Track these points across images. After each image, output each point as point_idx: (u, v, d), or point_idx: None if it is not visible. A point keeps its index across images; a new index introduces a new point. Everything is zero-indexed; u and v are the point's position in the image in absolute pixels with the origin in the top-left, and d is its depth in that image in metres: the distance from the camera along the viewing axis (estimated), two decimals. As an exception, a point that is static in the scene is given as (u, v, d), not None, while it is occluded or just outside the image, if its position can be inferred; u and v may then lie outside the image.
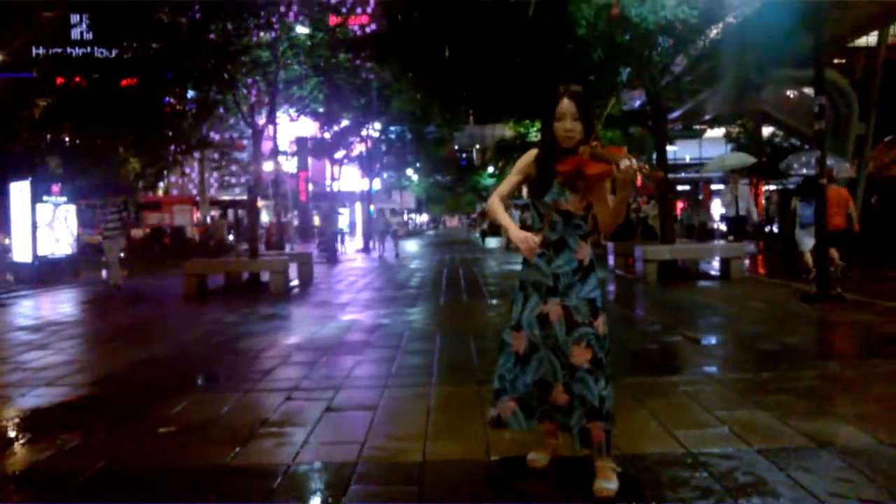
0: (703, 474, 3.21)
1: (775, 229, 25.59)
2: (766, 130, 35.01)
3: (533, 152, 3.21)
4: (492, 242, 31.90)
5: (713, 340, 6.70)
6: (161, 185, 32.69)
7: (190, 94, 13.16)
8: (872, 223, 19.01)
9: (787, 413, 4.09)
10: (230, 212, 33.38)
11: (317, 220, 37.75)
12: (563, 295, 3.07)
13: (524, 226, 3.29)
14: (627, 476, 3.14)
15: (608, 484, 3.00)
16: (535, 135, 20.86)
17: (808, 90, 25.90)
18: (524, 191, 3.33)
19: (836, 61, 25.40)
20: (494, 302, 9.98)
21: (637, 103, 25.75)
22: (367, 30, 15.28)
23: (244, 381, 5.32)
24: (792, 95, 26.45)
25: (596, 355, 3.01)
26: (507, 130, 37.46)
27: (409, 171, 47.85)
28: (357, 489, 3.17)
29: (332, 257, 20.44)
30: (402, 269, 16.66)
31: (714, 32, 15.60)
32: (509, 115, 20.00)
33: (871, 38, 22.00)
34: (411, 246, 31.62)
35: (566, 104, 3.02)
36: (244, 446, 3.77)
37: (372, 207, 28.53)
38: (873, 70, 19.30)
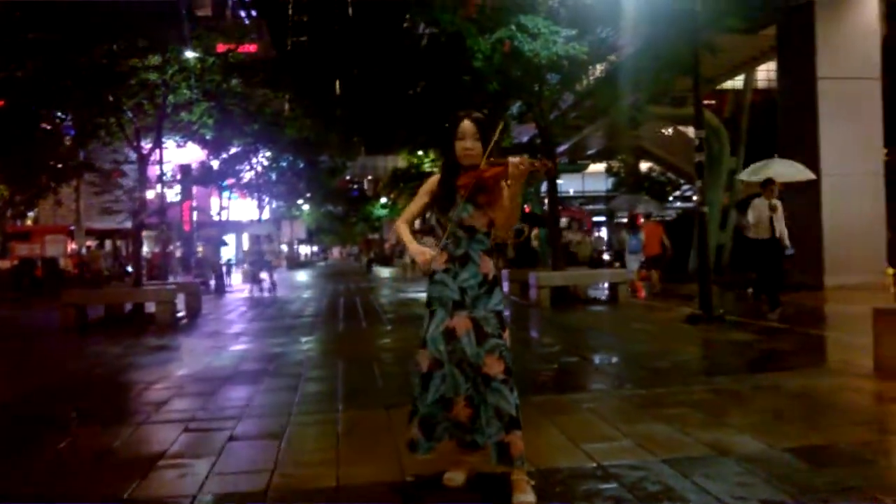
0: (615, 485, 3.28)
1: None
2: (644, 165, 37.05)
3: (435, 178, 3.32)
4: (383, 272, 31.86)
5: (610, 360, 6.94)
6: (31, 213, 30.61)
7: (70, 116, 12.44)
8: (744, 250, 20.31)
9: (686, 425, 4.26)
10: (108, 242, 31.65)
11: (201, 251, 36.38)
12: (471, 307, 3.12)
13: (435, 242, 3.34)
14: (542, 490, 3.17)
15: (527, 497, 3.01)
16: (429, 165, 21.17)
17: (682, 127, 27.71)
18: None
19: (706, 102, 27.19)
20: (391, 328, 9.92)
21: (525, 137, 26.62)
22: (257, 56, 15.07)
23: (136, 414, 5.02)
24: (668, 132, 28.16)
25: (507, 366, 3.08)
26: (400, 161, 37.79)
27: (300, 201, 47.18)
28: (270, 517, 3.04)
29: (219, 288, 19.78)
30: (294, 300, 16.31)
31: (598, 71, 16.41)
32: (403, 145, 20.16)
33: (737, 82, 23.84)
34: (301, 276, 31.05)
35: (467, 125, 3.16)
36: (143, 479, 3.53)
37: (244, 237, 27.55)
38: (741, 110, 20.87)
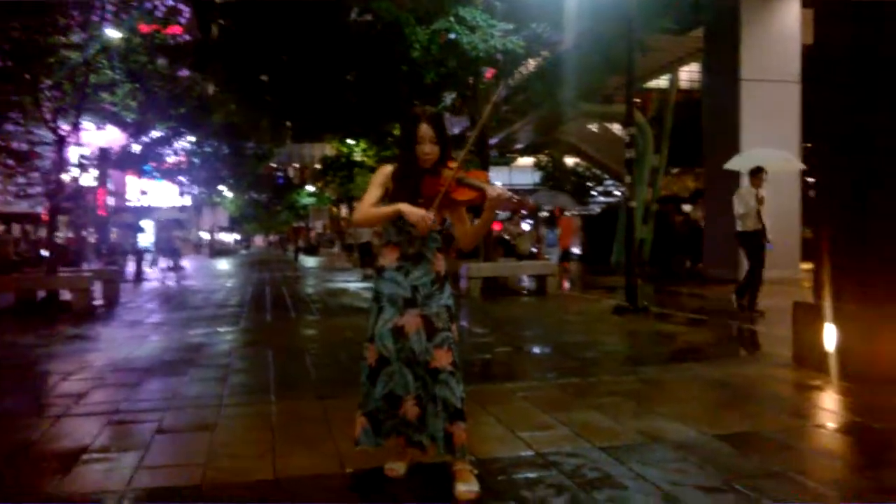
0: (554, 473, 3.32)
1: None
2: (570, 160, 37.76)
3: (388, 168, 3.21)
4: (308, 261, 31.41)
5: (542, 350, 7.04)
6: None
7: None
8: (672, 244, 20.95)
9: (619, 413, 4.36)
10: (15, 226, 30.02)
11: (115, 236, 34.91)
12: (422, 305, 3.09)
13: (385, 240, 3.24)
14: (484, 478, 3.17)
15: (470, 486, 3.02)
16: (360, 154, 20.97)
17: (608, 124, 28.32)
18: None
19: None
20: (321, 318, 9.78)
21: (456, 129, 26.70)
22: (183, 39, 14.53)
23: (54, 406, 4.77)
24: (595, 129, 28.74)
25: (455, 359, 3.08)
26: (327, 149, 37.19)
27: (223, 188, 45.89)
28: (206, 511, 2.94)
29: (138, 275, 19.10)
30: (219, 289, 15.88)
31: (531, 66, 16.58)
32: (334, 133, 19.86)
33: (661, 81, 24.54)
34: (224, 265, 30.28)
35: (425, 128, 3.07)
36: (66, 475, 3.36)
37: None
38: (665, 109, 21.47)
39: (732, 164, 11.07)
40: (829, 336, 5.09)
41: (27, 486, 3.25)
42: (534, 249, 21.84)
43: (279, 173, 65.62)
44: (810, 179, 14.22)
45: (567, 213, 20.47)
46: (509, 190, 3.12)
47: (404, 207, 3.02)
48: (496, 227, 17.38)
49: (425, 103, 14.29)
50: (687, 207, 28.26)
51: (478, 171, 3.25)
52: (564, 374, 5.65)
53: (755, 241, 8.87)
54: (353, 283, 16.08)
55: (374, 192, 3.17)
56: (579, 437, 3.87)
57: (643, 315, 9.02)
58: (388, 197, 3.14)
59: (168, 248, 19.97)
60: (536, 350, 7.14)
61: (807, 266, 14.37)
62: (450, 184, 3.01)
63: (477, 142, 14.18)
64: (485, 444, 3.70)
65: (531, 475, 3.30)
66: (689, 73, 29.03)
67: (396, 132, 18.95)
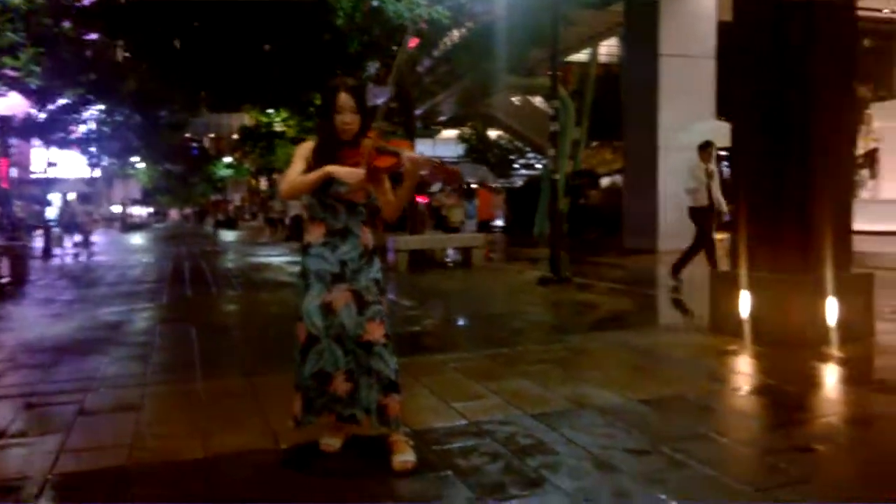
0: (489, 441, 3.38)
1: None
2: (493, 133, 37.99)
3: (310, 143, 3.17)
4: (228, 236, 30.65)
5: (470, 321, 7.12)
6: None
7: None
8: (585, 216, 21.44)
9: (548, 381, 4.46)
10: None
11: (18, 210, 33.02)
12: (351, 280, 3.06)
13: (310, 216, 3.18)
14: (420, 449, 3.19)
15: (406, 456, 3.04)
16: (280, 125, 20.47)
17: (532, 98, 28.61)
18: None
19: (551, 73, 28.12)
20: (245, 293, 9.59)
21: (379, 100, 26.44)
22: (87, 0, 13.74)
23: (-37, 389, 4.52)
24: (517, 102, 29.00)
25: (386, 331, 3.09)
26: (245, 119, 36.15)
27: (135, 159, 44.07)
28: (138, 492, 2.86)
29: (46, 251, 18.19)
30: (135, 265, 15.33)
31: (455, 37, 16.54)
32: (254, 102, 19.31)
33: (581, 55, 24.88)
34: (138, 240, 29.21)
35: (344, 98, 3.03)
36: (-18, 460, 3.20)
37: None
38: (586, 83, 21.77)
39: (681, 139, 11.34)
40: (744, 303, 5.34)
41: (-62, 474, 3.08)
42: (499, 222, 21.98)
43: (194, 144, 63.42)
44: (723, 153, 14.80)
45: (486, 186, 20.76)
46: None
47: (332, 168, 2.98)
48: (422, 199, 17.29)
49: (348, 73, 14.08)
50: (605, 181, 28.98)
51: (400, 140, 3.24)
52: (493, 344, 5.73)
53: (707, 216, 8.86)
54: (278, 258, 15.80)
55: (297, 164, 3.11)
56: (510, 405, 3.94)
57: (566, 285, 9.22)
58: (309, 171, 3.08)
59: (72, 223, 18.69)
60: (465, 322, 7.21)
61: (721, 236, 15.01)
62: (370, 152, 3.00)
63: (403, 110, 14.11)
64: (419, 414, 3.72)
65: (466, 444, 3.34)
66: (607, 48, 29.54)
67: (319, 102, 18.55)
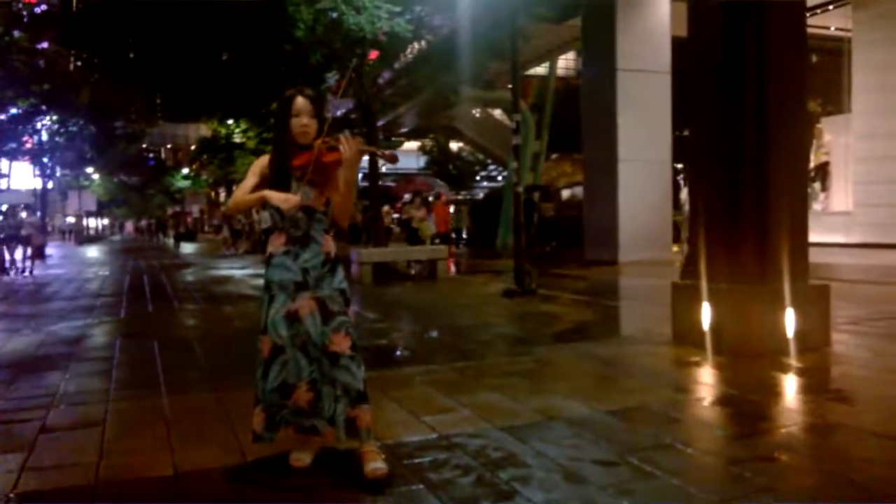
0: (459, 454, 3.39)
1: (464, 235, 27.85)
2: (455, 145, 38.20)
3: (264, 158, 3.21)
4: (189, 248, 30.16)
5: (437, 334, 7.12)
6: None
7: None
8: (548, 228, 21.66)
9: (517, 393, 4.49)
10: None
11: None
12: (314, 288, 3.07)
13: (272, 226, 3.20)
14: (391, 463, 3.18)
15: (378, 464, 3.03)
16: (240, 136, 20.26)
17: (492, 110, 28.84)
18: None
19: (510, 86, 28.49)
20: (207, 306, 9.46)
21: (339, 111, 26.39)
22: (41, 9, 13.46)
23: (-85, 409, 4.38)
24: (478, 114, 29.20)
25: (354, 342, 3.10)
26: (202, 129, 35.70)
27: (90, 170, 43.15)
28: (104, 511, 2.81)
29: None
30: (93, 279, 15.00)
31: (415, 50, 16.61)
32: (212, 113, 19.10)
33: (539, 69, 25.21)
34: (93, 252, 28.57)
35: (301, 102, 3.09)
36: (-61, 483, 3.10)
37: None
38: (545, 96, 22.12)
39: None
40: (705, 314, 5.45)
41: None
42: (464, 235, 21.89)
43: (150, 155, 62.42)
44: (679, 166, 15.12)
45: (439, 200, 20.87)
46: (395, 174, 3.16)
47: (267, 193, 3.04)
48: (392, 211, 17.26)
49: (308, 84, 14.03)
50: (565, 192, 29.30)
51: (347, 137, 3.25)
52: (461, 357, 5.75)
53: None
54: (241, 270, 15.62)
55: (248, 181, 3.16)
56: (480, 418, 3.95)
57: (531, 297, 9.29)
58: (265, 183, 3.13)
59: (15, 236, 17.57)
60: (432, 334, 7.20)
61: (677, 248, 15.30)
62: (319, 149, 3.03)
63: (364, 121, 14.07)
64: (389, 428, 3.72)
65: (437, 457, 3.35)
66: (565, 62, 29.98)
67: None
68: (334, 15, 10.88)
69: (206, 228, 58.07)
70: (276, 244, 3.12)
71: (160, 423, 3.99)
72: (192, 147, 51.85)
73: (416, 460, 3.31)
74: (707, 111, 5.71)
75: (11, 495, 2.97)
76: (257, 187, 3.14)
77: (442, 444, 3.54)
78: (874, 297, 8.43)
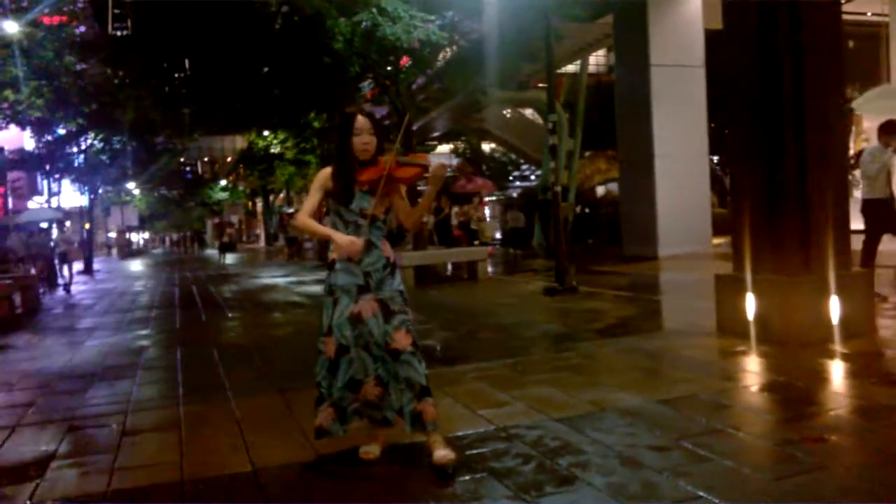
0: (518, 444, 3.56)
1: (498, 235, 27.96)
2: (487, 146, 38.30)
3: (327, 171, 3.40)
4: (235, 258, 30.79)
5: (484, 332, 7.31)
6: None
7: None
8: (581, 226, 21.70)
9: (568, 387, 4.65)
10: None
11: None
12: (375, 290, 3.28)
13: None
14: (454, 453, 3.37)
15: (447, 452, 3.21)
16: (278, 146, 20.70)
17: (523, 110, 28.91)
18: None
19: (543, 85, 28.50)
20: (254, 316, 9.78)
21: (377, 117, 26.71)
22: (86, 32, 13.99)
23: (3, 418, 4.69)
24: (509, 114, 29.29)
25: (415, 339, 3.30)
26: (238, 142, 36.35)
27: (131, 185, 44.18)
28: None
29: (51, 281, 18.33)
30: (143, 291, 15.50)
31: (448, 54, 16.80)
32: (253, 125, 19.55)
33: (569, 66, 25.18)
34: (137, 266, 29.35)
35: (362, 121, 3.29)
36: (42, 481, 3.38)
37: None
38: (577, 94, 22.09)
39: (857, 104, 10.81)
40: (750, 305, 5.55)
41: (5, 495, 3.25)
42: (497, 235, 21.88)
43: (187, 168, 63.60)
44: (715, 158, 15.08)
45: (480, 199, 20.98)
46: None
47: (335, 236, 3.26)
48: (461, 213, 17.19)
49: (346, 93, 14.35)
50: (600, 189, 29.21)
51: (417, 154, 3.49)
52: (509, 354, 5.92)
53: (882, 210, 7.16)
54: (289, 279, 15.98)
55: (313, 197, 3.39)
56: (535, 410, 4.13)
57: (573, 294, 9.42)
58: (329, 196, 3.35)
59: (41, 254, 17.19)
60: (478, 333, 7.39)
61: (717, 241, 15.27)
62: (391, 164, 3.22)
63: (399, 127, 14.34)
64: (448, 423, 3.89)
65: (497, 447, 3.53)
66: (595, 58, 29.86)
67: (316, 124, 18.87)
68: (369, 25, 11.13)
69: (245, 238, 59.08)
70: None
71: (232, 424, 4.23)
72: (229, 159, 52.72)
73: (478, 451, 3.49)
74: (745, 108, 5.80)
75: (108, 492, 3.22)
76: (321, 202, 3.39)
77: (500, 435, 3.72)
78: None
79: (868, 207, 7.19)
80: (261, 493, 3.15)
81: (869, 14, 15.66)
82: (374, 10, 10.27)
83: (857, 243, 6.12)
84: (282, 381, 5.30)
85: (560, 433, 3.70)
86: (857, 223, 6.11)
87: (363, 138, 3.26)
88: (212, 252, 41.33)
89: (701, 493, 2.82)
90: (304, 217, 3.39)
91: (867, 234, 7.18)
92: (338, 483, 3.25)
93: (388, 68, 12.87)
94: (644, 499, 2.83)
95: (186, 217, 64.26)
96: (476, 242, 16.94)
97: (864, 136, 14.15)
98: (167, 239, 76.74)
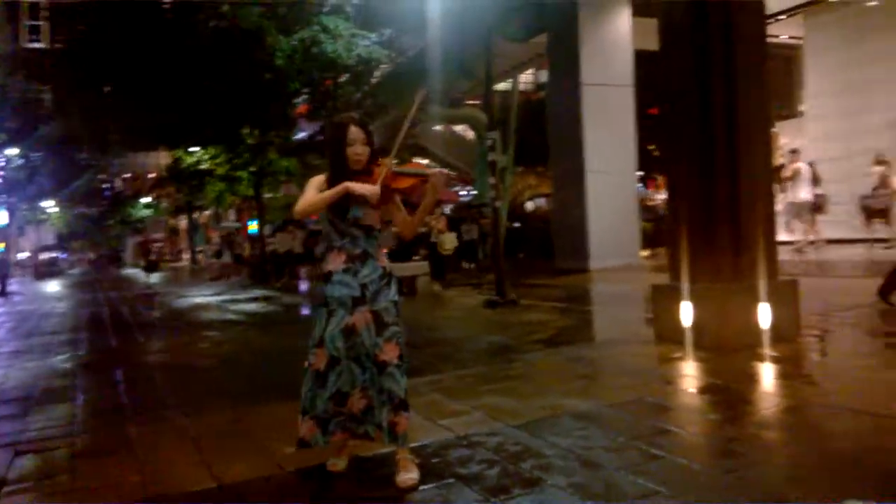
0: (481, 450, 3.69)
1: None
2: (422, 162, 38.55)
3: (321, 176, 3.39)
4: (154, 277, 29.92)
5: (430, 346, 7.41)
6: None
7: None
8: (512, 241, 22.03)
9: (520, 395, 4.81)
10: None
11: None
12: (371, 301, 3.29)
13: (328, 245, 3.42)
14: (420, 462, 3.45)
15: (411, 474, 3.26)
16: (208, 162, 20.29)
17: (456, 127, 29.28)
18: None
19: (474, 102, 28.91)
20: (193, 335, 9.62)
21: (303, 133, 26.56)
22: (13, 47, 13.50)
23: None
24: (443, 131, 29.61)
25: (402, 352, 3.33)
26: (163, 158, 35.46)
27: (49, 203, 42.50)
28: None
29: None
30: (67, 312, 14.95)
31: (383, 71, 16.95)
32: (182, 141, 19.16)
33: (502, 85, 25.72)
34: (54, 287, 28.18)
35: (355, 131, 3.28)
36: (0, 504, 3.31)
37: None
38: (509, 111, 22.56)
39: None
40: (686, 313, 5.84)
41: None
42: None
43: (105, 185, 61.49)
44: (640, 173, 15.64)
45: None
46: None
47: (350, 184, 3.20)
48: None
49: (282, 108, 14.30)
50: (529, 205, 29.77)
51: (414, 163, 3.50)
52: (460, 366, 6.05)
53: None
54: (215, 297, 15.67)
55: (311, 191, 3.34)
56: (492, 418, 4.26)
57: (513, 307, 9.63)
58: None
59: None
60: (427, 347, 7.47)
61: (645, 253, 15.83)
62: (386, 174, 3.22)
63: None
64: (410, 432, 3.98)
65: (461, 454, 3.64)
66: (525, 77, 30.54)
67: (250, 140, 18.61)
68: (308, 42, 11.16)
69: (168, 257, 57.44)
70: (336, 262, 3.31)
71: (186, 442, 4.21)
72: (151, 175, 51.35)
73: (442, 458, 3.60)
74: (681, 127, 6.12)
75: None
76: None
77: (462, 443, 3.83)
78: (837, 290, 8.94)
79: None
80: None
81: (784, 37, 16.62)
82: (317, 27, 10.33)
83: (781, 253, 6.51)
84: (233, 399, 5.28)
85: (519, 439, 3.84)
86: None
87: (356, 149, 3.25)
88: (132, 271, 39.97)
89: (659, 489, 3.00)
90: (305, 200, 3.30)
91: None
92: (307, 495, 3.30)
93: (327, 84, 12.93)
94: (607, 496, 2.99)
95: (105, 236, 62.09)
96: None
97: (781, 152, 14.96)
98: (86, 259, 73.74)
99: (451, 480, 3.29)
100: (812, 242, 13.22)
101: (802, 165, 12.05)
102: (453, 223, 17.87)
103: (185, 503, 3.25)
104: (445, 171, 4.25)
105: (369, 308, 3.28)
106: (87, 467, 3.85)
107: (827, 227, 13.78)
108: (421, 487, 3.21)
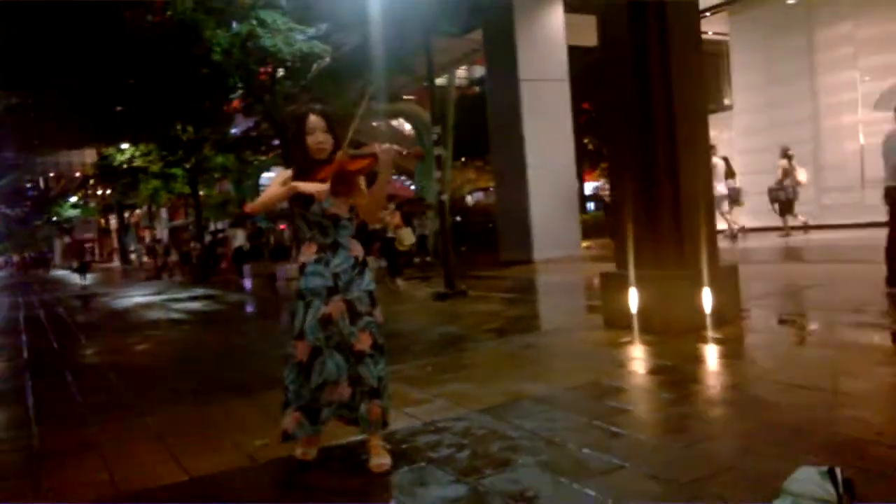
0: (449, 435, 3.80)
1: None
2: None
3: (288, 171, 3.43)
4: (87, 279, 28.98)
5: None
6: None
7: None
8: (454, 234, 22.22)
9: (479, 381, 4.95)
10: None
11: None
12: (344, 291, 3.32)
13: (299, 238, 3.44)
14: (391, 448, 3.53)
15: (383, 459, 3.34)
16: (140, 160, 19.75)
17: (393, 121, 29.28)
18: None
19: (410, 97, 28.91)
20: (140, 335, 9.44)
21: (236, 130, 26.12)
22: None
23: None
24: (380, 126, 29.55)
25: (376, 341, 3.38)
26: (89, 155, 34.33)
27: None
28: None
29: None
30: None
31: (320, 66, 16.83)
32: (113, 138, 18.60)
33: (439, 80, 25.85)
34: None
35: (314, 119, 3.33)
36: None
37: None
38: (446, 106, 22.70)
39: None
40: (633, 299, 6.08)
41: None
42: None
43: (30, 185, 59.22)
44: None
45: None
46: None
47: (296, 183, 3.27)
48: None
49: (218, 104, 14.07)
50: (469, 199, 30.06)
51: (368, 146, 3.50)
52: (416, 356, 6.14)
53: None
54: (149, 297, 15.33)
55: (273, 188, 3.40)
56: (455, 405, 4.38)
57: (463, 298, 9.78)
58: (290, 200, 3.35)
59: None
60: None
61: (586, 244, 16.23)
62: (341, 160, 3.23)
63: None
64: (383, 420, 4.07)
65: (430, 440, 3.74)
66: (459, 72, 30.75)
67: (184, 136, 18.21)
68: (246, 36, 11.02)
69: (98, 258, 55.68)
70: (308, 253, 3.36)
71: (153, 439, 4.19)
72: (77, 174, 49.59)
73: (412, 444, 3.69)
74: (623, 121, 6.35)
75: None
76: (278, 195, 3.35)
77: (430, 429, 3.94)
78: (768, 275, 9.40)
79: (893, 194, 6.63)
80: (206, 500, 3.19)
81: (710, 33, 17.23)
82: (254, 21, 10.21)
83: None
84: (190, 396, 5.26)
85: (484, 423, 3.96)
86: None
87: (317, 137, 3.28)
88: (62, 273, 38.59)
89: (624, 464, 3.17)
90: (260, 198, 3.40)
91: (892, 223, 6.67)
92: (281, 485, 3.35)
93: (264, 79, 12.79)
94: (576, 472, 3.13)
95: (32, 237, 59.68)
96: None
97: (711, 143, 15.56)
98: (11, 262, 70.62)
99: (423, 464, 3.39)
100: (742, 230, 13.81)
101: (717, 160, 12.60)
102: (405, 218, 17.66)
103: (160, 497, 3.25)
104: (395, 147, 4.24)
105: (342, 297, 3.32)
106: (51, 468, 3.80)
107: (748, 216, 14.45)
108: (395, 472, 3.30)
